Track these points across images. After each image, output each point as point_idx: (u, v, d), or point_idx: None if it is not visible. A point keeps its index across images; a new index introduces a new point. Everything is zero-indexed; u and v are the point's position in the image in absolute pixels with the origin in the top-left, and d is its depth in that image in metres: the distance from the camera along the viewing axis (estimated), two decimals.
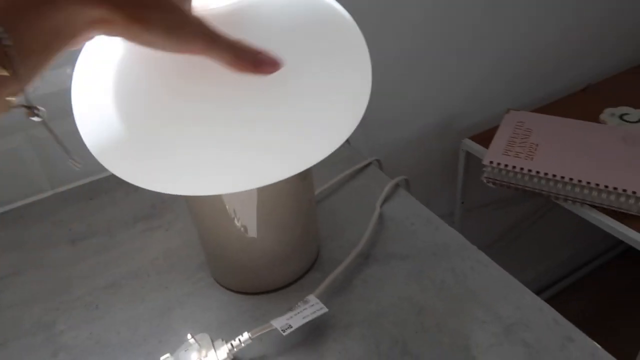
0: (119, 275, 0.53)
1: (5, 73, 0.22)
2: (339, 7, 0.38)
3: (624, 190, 0.74)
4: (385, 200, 0.60)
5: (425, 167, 1.04)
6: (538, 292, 1.38)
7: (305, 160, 0.36)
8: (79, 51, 0.35)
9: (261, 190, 0.43)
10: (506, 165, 0.82)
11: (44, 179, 0.67)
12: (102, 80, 0.33)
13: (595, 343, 0.41)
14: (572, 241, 1.43)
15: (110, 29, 0.25)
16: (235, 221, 0.45)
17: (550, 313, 0.44)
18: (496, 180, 0.84)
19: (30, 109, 0.25)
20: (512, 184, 0.83)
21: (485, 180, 0.86)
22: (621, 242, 0.77)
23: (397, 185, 0.62)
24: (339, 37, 0.37)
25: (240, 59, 0.28)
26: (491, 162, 0.83)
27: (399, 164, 0.98)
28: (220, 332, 0.44)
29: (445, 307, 0.46)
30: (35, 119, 0.26)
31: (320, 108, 0.34)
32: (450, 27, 0.89)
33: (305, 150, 0.36)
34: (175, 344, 0.43)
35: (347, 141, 0.72)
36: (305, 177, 0.47)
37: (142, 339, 0.46)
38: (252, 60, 0.28)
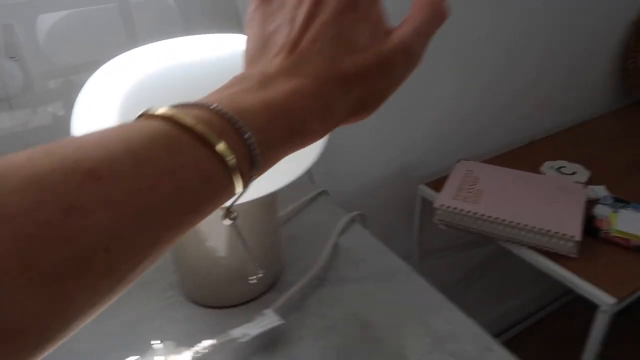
0: None
1: (240, 190, 0.21)
2: None
3: (556, 232, 0.83)
4: (343, 231, 0.67)
5: (386, 210, 1.12)
6: (498, 334, 1.43)
7: (270, 185, 0.43)
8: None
9: None
10: (455, 208, 0.90)
11: None
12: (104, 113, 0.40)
13: (509, 354, 0.48)
14: (528, 286, 1.51)
15: None
16: (206, 241, 0.51)
17: (472, 328, 0.51)
18: (447, 222, 0.93)
19: (229, 211, 0.25)
20: (461, 225, 0.91)
21: (437, 222, 0.94)
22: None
23: (353, 220, 0.70)
24: None
25: (443, 15, 0.27)
26: (442, 205, 0.92)
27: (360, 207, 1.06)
28: (187, 342, 0.49)
29: (387, 322, 0.52)
30: (226, 221, 0.25)
31: None
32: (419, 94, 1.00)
33: (271, 176, 0.43)
34: (144, 353, 0.48)
35: (310, 173, 0.80)
36: (270, 204, 0.54)
37: (111, 348, 0.51)
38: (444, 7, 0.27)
